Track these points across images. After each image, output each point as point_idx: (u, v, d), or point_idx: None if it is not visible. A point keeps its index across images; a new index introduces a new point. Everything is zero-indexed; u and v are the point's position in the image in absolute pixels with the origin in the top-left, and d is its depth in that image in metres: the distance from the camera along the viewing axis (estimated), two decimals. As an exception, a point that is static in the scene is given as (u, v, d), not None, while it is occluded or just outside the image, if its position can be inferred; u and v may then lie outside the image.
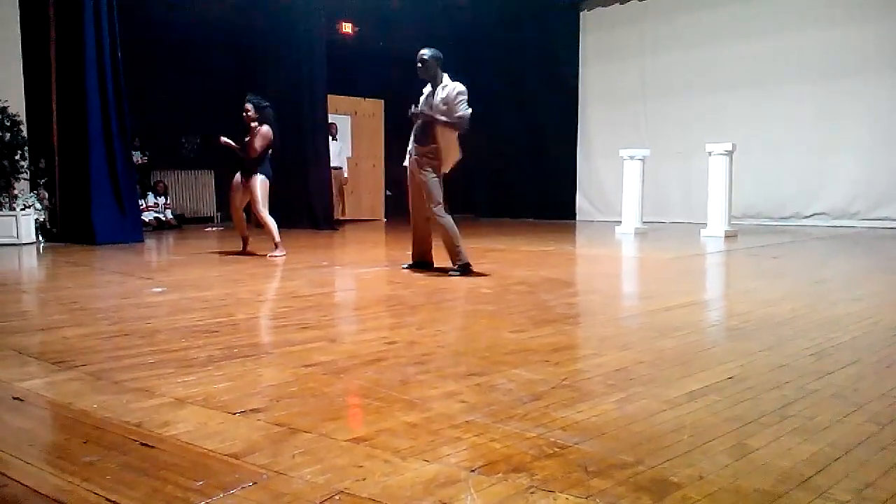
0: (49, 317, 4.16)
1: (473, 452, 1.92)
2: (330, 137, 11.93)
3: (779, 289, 5.02)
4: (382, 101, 13.96)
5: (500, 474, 1.77)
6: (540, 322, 3.79)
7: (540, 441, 2.00)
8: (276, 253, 7.04)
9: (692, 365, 2.89)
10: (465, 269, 5.58)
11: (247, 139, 7.04)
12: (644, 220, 10.27)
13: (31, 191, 8.90)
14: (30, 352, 3.15)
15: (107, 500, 1.64)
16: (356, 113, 13.92)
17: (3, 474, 1.78)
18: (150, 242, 9.17)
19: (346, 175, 12.90)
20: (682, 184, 11.72)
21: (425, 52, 5.56)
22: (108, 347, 3.24)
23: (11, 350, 3.16)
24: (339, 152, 12.35)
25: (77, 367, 2.84)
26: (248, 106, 7.09)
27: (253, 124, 7.03)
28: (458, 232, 5.64)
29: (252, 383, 2.63)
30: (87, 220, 8.63)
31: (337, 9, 12.25)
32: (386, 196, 14.27)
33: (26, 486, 1.72)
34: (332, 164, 11.76)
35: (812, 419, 2.17)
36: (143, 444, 1.98)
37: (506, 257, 7.08)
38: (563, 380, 2.64)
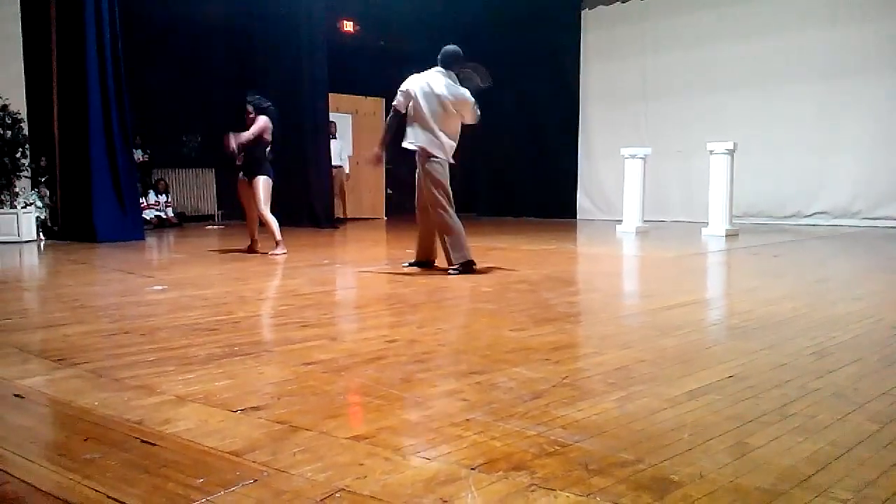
0: (50, 314, 4.17)
1: (474, 450, 1.92)
2: (330, 136, 11.93)
3: (780, 288, 5.02)
4: (383, 100, 13.94)
5: (500, 472, 1.77)
6: (541, 320, 3.79)
7: (540, 439, 2.00)
8: (277, 251, 7.05)
9: (693, 363, 2.89)
10: (468, 267, 5.57)
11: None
12: (645, 218, 10.27)
13: (32, 189, 8.91)
14: (31, 349, 3.15)
15: (108, 497, 1.64)
16: (357, 111, 13.91)
17: (5, 472, 1.78)
18: (150, 240, 9.18)
19: (347, 172, 12.89)
20: (683, 183, 11.72)
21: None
22: (109, 345, 3.24)
23: (12, 347, 3.16)
24: (339, 151, 12.35)
25: (78, 364, 2.85)
26: (249, 108, 7.09)
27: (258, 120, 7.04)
28: (462, 229, 5.64)
29: (252, 381, 2.63)
30: (88, 217, 8.63)
31: (338, 7, 12.25)
32: (387, 195, 14.27)
33: (27, 483, 1.72)
34: (332, 163, 11.76)
35: (813, 418, 2.17)
36: (143, 442, 1.98)
37: (507, 256, 7.08)
38: (564, 378, 2.64)
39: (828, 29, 10.47)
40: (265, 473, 1.77)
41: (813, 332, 3.44)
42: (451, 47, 5.73)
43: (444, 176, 5.57)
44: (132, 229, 8.93)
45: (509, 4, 13.26)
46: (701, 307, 4.55)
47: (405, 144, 5.64)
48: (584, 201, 13.45)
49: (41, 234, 8.85)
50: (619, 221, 10.54)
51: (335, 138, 12.23)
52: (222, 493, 1.66)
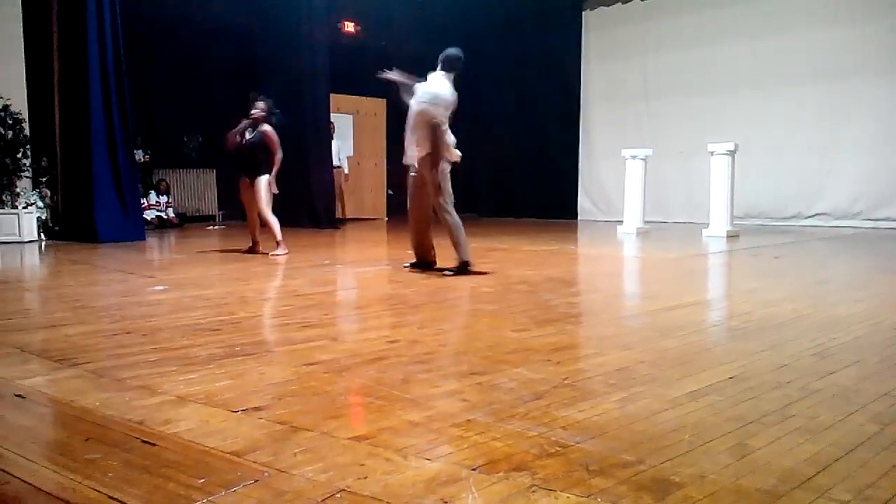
0: (51, 315, 4.17)
1: (475, 451, 1.92)
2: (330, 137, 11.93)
3: (780, 289, 5.02)
4: (384, 101, 13.93)
5: (501, 473, 1.77)
6: (542, 321, 3.79)
7: (541, 440, 2.00)
8: (278, 252, 7.05)
9: (694, 365, 2.89)
10: (464, 268, 5.57)
11: (248, 138, 7.05)
12: (646, 219, 10.27)
13: (34, 189, 8.92)
14: (32, 349, 3.15)
15: (109, 497, 1.64)
16: (358, 112, 13.91)
17: (6, 472, 1.78)
18: (151, 241, 9.18)
19: (346, 172, 12.88)
20: (684, 184, 11.72)
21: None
22: (110, 345, 3.24)
23: (13, 347, 3.16)
24: (337, 151, 12.34)
25: (79, 364, 2.85)
26: (260, 107, 7.08)
27: (263, 126, 7.04)
28: (463, 229, 5.65)
29: (254, 381, 2.63)
30: (89, 218, 8.64)
31: (339, 8, 12.25)
32: (388, 195, 14.27)
33: (28, 483, 1.72)
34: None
35: (813, 419, 2.17)
36: (144, 442, 1.98)
37: (508, 257, 7.08)
38: (565, 379, 2.64)
39: (829, 29, 10.48)
40: (266, 474, 1.77)
41: (814, 333, 3.44)
42: (452, 50, 5.71)
43: (448, 177, 5.60)
44: (133, 230, 8.94)
45: (510, 5, 13.28)
46: (702, 308, 4.55)
47: (413, 154, 5.61)
48: (584, 202, 13.46)
49: (42, 234, 8.85)
50: (620, 222, 10.54)
51: (333, 139, 12.23)
52: (223, 493, 1.66)
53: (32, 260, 7.34)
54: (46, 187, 9.08)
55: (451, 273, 5.51)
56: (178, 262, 7.26)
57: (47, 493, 1.67)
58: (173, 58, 11.58)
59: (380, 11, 12.80)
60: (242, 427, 2.12)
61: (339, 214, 12.29)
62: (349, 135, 13.56)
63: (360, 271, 6.39)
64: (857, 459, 1.86)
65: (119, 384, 2.57)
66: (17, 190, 8.60)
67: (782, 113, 10.86)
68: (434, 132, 5.42)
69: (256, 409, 2.29)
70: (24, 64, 9.01)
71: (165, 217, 11.60)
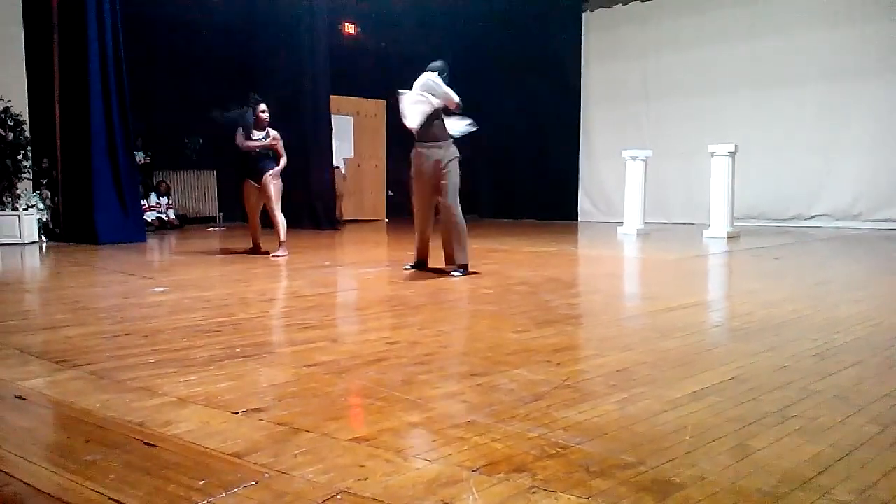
0: (51, 316, 4.17)
1: (475, 452, 1.92)
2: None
3: (781, 290, 5.02)
4: (385, 102, 13.95)
5: (501, 474, 1.77)
6: (542, 322, 3.79)
7: (542, 441, 2.00)
8: (279, 253, 7.06)
9: (694, 366, 2.89)
10: (466, 270, 5.59)
11: (261, 138, 7.07)
12: (646, 220, 10.27)
13: (34, 190, 8.93)
14: (32, 351, 3.16)
15: (109, 498, 1.64)
16: (358, 113, 13.92)
17: (6, 473, 1.78)
18: (152, 242, 9.18)
19: (343, 172, 12.86)
20: (685, 184, 11.72)
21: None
22: (111, 347, 3.24)
23: (14, 349, 3.16)
24: (336, 151, 12.33)
25: (79, 366, 2.85)
26: (265, 107, 7.12)
27: (272, 131, 7.09)
28: (466, 232, 5.67)
29: (254, 383, 2.63)
30: (89, 219, 8.64)
31: (339, 9, 12.26)
32: (388, 196, 14.27)
33: (29, 484, 1.72)
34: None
35: (814, 420, 2.17)
36: (145, 444, 1.99)
37: (508, 258, 7.08)
38: (565, 380, 2.64)
39: (829, 30, 10.48)
40: (266, 475, 1.77)
41: (814, 334, 3.44)
42: (438, 63, 5.77)
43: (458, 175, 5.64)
44: (133, 231, 8.95)
45: (511, 6, 13.28)
46: (702, 309, 4.55)
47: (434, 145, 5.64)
48: (585, 203, 13.47)
49: (43, 235, 8.85)
50: (621, 223, 10.53)
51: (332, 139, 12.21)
52: (223, 494, 1.66)
53: (33, 261, 7.34)
54: (47, 189, 9.09)
55: (460, 274, 5.52)
56: (179, 264, 7.26)
57: (48, 494, 1.67)
58: (173, 59, 11.59)
59: (380, 12, 12.80)
60: (243, 428, 2.12)
61: (336, 215, 12.27)
62: (349, 136, 13.56)
63: (360, 273, 6.39)
64: (857, 460, 1.86)
65: (119, 386, 2.57)
66: (18, 191, 8.61)
67: (782, 113, 10.86)
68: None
69: (257, 410, 2.29)
70: (24, 65, 9.02)
71: (166, 218, 11.61)
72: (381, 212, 14.31)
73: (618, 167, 10.94)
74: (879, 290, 5.17)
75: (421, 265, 5.93)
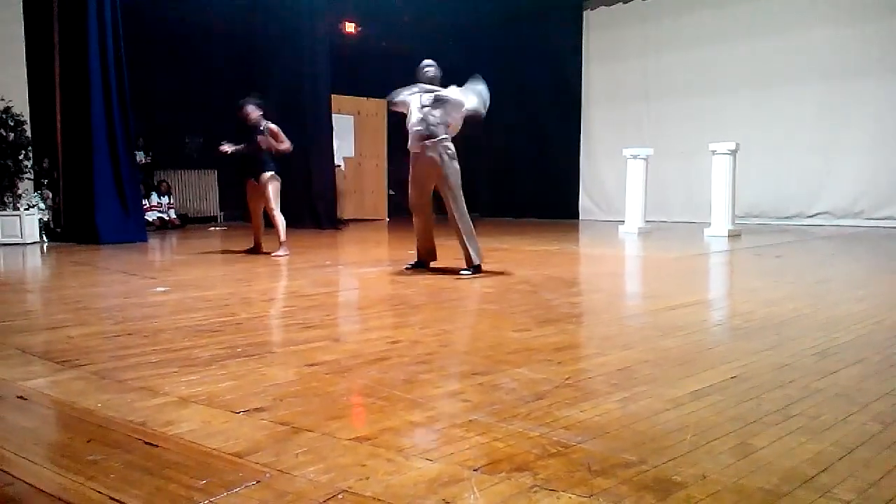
0: (53, 316, 4.17)
1: (476, 451, 1.92)
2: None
3: (782, 288, 5.02)
4: (385, 101, 13.95)
5: (503, 473, 1.77)
6: (543, 321, 3.79)
7: (543, 440, 2.00)
8: (280, 252, 7.06)
9: (695, 364, 2.89)
10: (477, 270, 5.59)
11: (256, 137, 7.07)
12: (647, 219, 10.27)
13: (35, 190, 8.94)
14: (34, 351, 3.16)
15: (111, 498, 1.64)
16: (359, 113, 13.92)
17: (8, 473, 1.78)
18: (153, 242, 9.19)
19: (344, 172, 12.86)
20: (686, 183, 11.72)
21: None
22: (112, 347, 3.24)
23: (15, 349, 3.16)
24: (336, 151, 12.34)
25: (81, 366, 2.85)
26: (251, 107, 7.11)
27: (266, 124, 7.07)
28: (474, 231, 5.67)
29: (255, 382, 2.63)
30: (90, 219, 8.65)
31: (340, 9, 12.26)
32: (389, 195, 14.28)
33: (30, 484, 1.72)
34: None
35: (815, 418, 2.17)
36: (146, 443, 1.99)
37: (509, 257, 7.08)
38: (567, 379, 2.64)
39: (829, 29, 10.47)
40: (268, 475, 1.77)
41: (815, 332, 3.44)
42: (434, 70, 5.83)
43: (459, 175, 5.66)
44: (135, 231, 8.95)
45: (511, 5, 13.27)
46: (703, 308, 4.55)
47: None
48: (585, 202, 13.46)
49: (44, 235, 8.86)
50: (622, 222, 10.53)
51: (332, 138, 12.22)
52: (225, 494, 1.66)
53: (34, 261, 7.35)
54: (48, 189, 9.09)
55: (469, 273, 5.51)
56: (180, 263, 7.26)
57: (49, 494, 1.67)
58: (174, 59, 11.60)
59: (380, 11, 12.80)
60: (244, 428, 2.12)
61: (340, 214, 12.28)
62: (350, 136, 13.56)
63: (361, 272, 6.39)
64: (859, 459, 1.85)
65: (121, 385, 2.57)
66: (19, 192, 8.61)
67: (783, 113, 10.85)
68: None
69: (258, 409, 2.29)
70: (25, 66, 9.03)
71: (167, 218, 11.62)
72: (382, 211, 14.31)
73: (619, 166, 10.94)
74: (880, 288, 5.16)
75: (421, 265, 5.93)
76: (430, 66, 5.80)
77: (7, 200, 8.52)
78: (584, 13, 13.32)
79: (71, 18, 8.80)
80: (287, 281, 5.83)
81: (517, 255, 7.35)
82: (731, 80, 11.29)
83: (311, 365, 2.88)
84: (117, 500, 1.63)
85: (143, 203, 10.34)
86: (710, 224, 9.34)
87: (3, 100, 8.49)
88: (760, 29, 11.02)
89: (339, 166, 12.41)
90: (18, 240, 8.43)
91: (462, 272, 5.55)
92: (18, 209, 8.54)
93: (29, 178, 8.83)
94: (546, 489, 1.68)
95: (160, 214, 11.56)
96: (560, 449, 1.93)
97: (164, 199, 11.80)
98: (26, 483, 1.73)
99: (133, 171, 9.21)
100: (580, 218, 13.36)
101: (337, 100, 12.21)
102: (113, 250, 7.95)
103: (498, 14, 13.58)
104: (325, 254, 7.87)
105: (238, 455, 1.90)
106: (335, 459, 1.87)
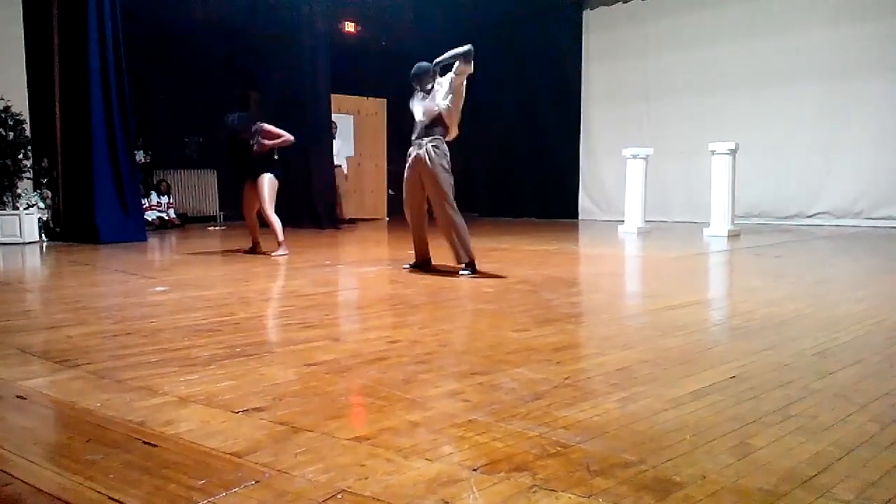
0: (52, 315, 4.17)
1: (476, 451, 1.92)
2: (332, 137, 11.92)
3: (782, 288, 5.02)
4: (385, 101, 13.96)
5: (502, 473, 1.77)
6: (542, 321, 3.79)
7: (542, 440, 2.00)
8: (280, 252, 7.06)
9: (695, 364, 2.89)
10: (473, 267, 5.59)
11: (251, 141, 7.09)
12: (647, 219, 10.27)
13: (35, 190, 8.92)
14: (33, 350, 3.16)
15: (110, 498, 1.64)
16: (359, 112, 13.92)
17: (7, 473, 1.78)
18: (153, 242, 9.19)
19: (346, 172, 12.87)
20: (685, 183, 11.71)
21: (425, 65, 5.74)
22: (111, 346, 3.24)
23: (15, 349, 3.16)
24: (338, 151, 12.35)
25: (80, 365, 2.85)
26: (236, 127, 7.14)
27: (258, 125, 7.07)
28: (467, 229, 5.65)
29: (254, 382, 2.63)
30: (90, 219, 8.64)
31: (339, 8, 12.26)
32: (389, 195, 14.28)
33: (29, 484, 1.72)
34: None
35: (815, 419, 2.17)
36: (145, 443, 1.99)
37: (508, 256, 7.08)
38: (566, 379, 2.64)
39: (829, 29, 10.47)
40: (267, 475, 1.77)
41: (815, 332, 3.44)
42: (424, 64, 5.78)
43: (450, 176, 5.62)
44: (134, 230, 8.95)
45: (511, 5, 13.27)
46: (703, 308, 4.55)
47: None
48: (585, 201, 13.46)
49: (43, 235, 8.86)
50: (621, 222, 10.54)
51: (335, 138, 12.23)
52: (224, 494, 1.66)
53: (33, 261, 7.35)
54: (47, 188, 9.09)
55: (468, 273, 5.51)
56: (179, 263, 7.26)
57: (48, 494, 1.67)
58: (173, 58, 11.59)
59: (380, 11, 12.80)
60: (243, 428, 2.12)
61: (339, 214, 12.26)
62: (350, 135, 13.56)
63: (360, 272, 6.39)
64: (858, 459, 1.85)
65: (120, 385, 2.57)
66: (19, 191, 8.61)
67: (783, 112, 10.85)
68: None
69: (257, 409, 2.29)
70: (24, 65, 9.02)
71: (166, 218, 11.61)
72: (382, 211, 14.31)
73: (618, 165, 10.94)
74: (880, 288, 5.17)
75: (422, 265, 5.93)
76: (415, 69, 5.77)
77: (6, 200, 8.51)
78: (584, 13, 13.32)
79: (71, 18, 8.79)
80: (286, 280, 5.83)
81: (516, 254, 7.35)
82: (731, 80, 11.29)
83: (311, 365, 2.88)
84: (116, 500, 1.63)
85: (143, 202, 10.33)
86: (709, 224, 9.34)
87: (2, 99, 8.48)
88: (760, 29, 11.02)
89: (339, 166, 12.40)
90: (18, 239, 8.43)
91: (462, 272, 5.55)
92: (18, 208, 8.53)
93: (28, 178, 8.82)
94: (545, 489, 1.68)
95: (159, 214, 11.56)
96: (559, 449, 1.93)
97: (164, 199, 11.80)
98: (25, 483, 1.73)
99: (133, 171, 9.20)
100: (580, 218, 13.36)
101: (336, 99, 12.21)
102: (112, 250, 7.95)
103: (497, 13, 13.57)
104: (324, 253, 7.87)
105: (237, 455, 1.90)
106: (334, 459, 1.87)
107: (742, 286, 5.74)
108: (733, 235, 9.06)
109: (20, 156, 8.60)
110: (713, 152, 9.28)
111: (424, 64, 5.74)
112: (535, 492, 1.67)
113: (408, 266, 5.99)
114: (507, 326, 3.65)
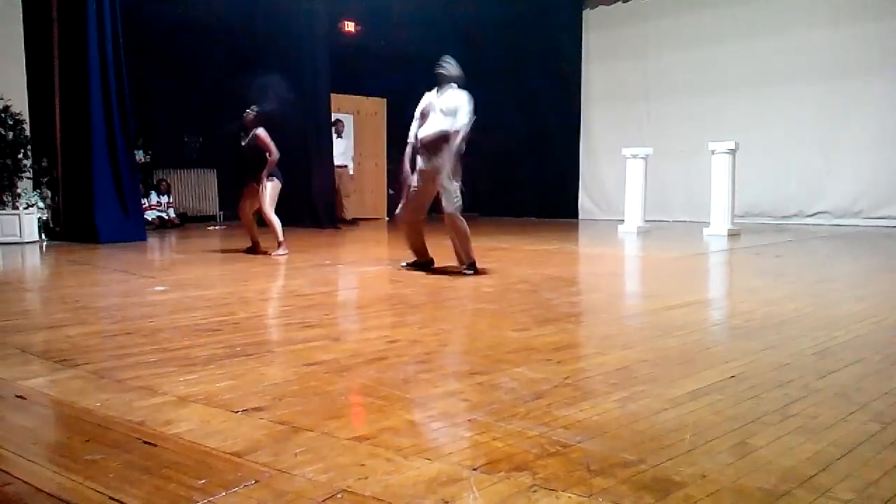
0: (52, 315, 4.17)
1: (475, 451, 1.92)
2: (335, 135, 11.91)
3: (781, 288, 5.02)
4: (385, 100, 13.95)
5: (502, 473, 1.77)
6: (542, 321, 3.79)
7: (542, 440, 2.00)
8: (280, 252, 7.06)
9: (695, 364, 2.89)
10: (473, 268, 5.59)
11: (244, 142, 7.08)
12: (647, 218, 10.27)
13: (34, 189, 8.92)
14: (33, 350, 3.16)
15: (110, 498, 1.64)
16: (358, 112, 13.91)
17: (7, 473, 1.78)
18: (152, 241, 9.18)
19: (351, 172, 12.86)
20: (685, 182, 11.71)
21: (451, 61, 5.67)
22: (111, 346, 3.24)
23: (15, 348, 3.16)
24: (344, 150, 12.33)
25: (80, 365, 2.85)
26: (251, 110, 7.14)
27: (255, 130, 7.08)
28: (469, 234, 5.67)
29: (254, 382, 2.63)
30: (90, 218, 8.64)
31: (339, 8, 12.25)
32: (389, 195, 14.27)
33: (29, 484, 1.72)
34: (337, 163, 11.76)
35: (815, 418, 2.17)
36: (145, 443, 1.98)
37: (508, 256, 7.08)
38: (566, 378, 2.64)
39: (829, 29, 10.47)
40: (267, 474, 1.77)
41: (815, 332, 3.44)
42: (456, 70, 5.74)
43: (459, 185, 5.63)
44: (134, 230, 8.94)
45: (511, 5, 13.26)
46: (703, 307, 4.55)
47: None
48: (585, 201, 13.46)
49: (43, 234, 8.85)
50: (621, 221, 10.53)
51: (340, 137, 12.20)
52: (224, 494, 1.66)
53: (33, 260, 7.34)
54: (47, 188, 9.08)
55: (472, 272, 5.52)
56: (179, 263, 7.26)
57: (48, 493, 1.67)
58: (173, 58, 11.57)
59: (380, 11, 12.79)
60: (243, 427, 2.11)
61: (340, 214, 12.23)
62: (350, 135, 13.56)
63: (360, 271, 6.39)
64: (858, 458, 1.85)
65: (120, 385, 2.57)
66: (18, 190, 8.60)
67: (783, 112, 10.85)
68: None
69: (257, 409, 2.29)
70: (24, 65, 9.01)
71: (166, 217, 11.60)
72: (382, 211, 14.30)
73: (618, 165, 10.94)
74: (880, 287, 5.17)
75: (420, 264, 5.92)
76: (442, 64, 5.68)
77: (6, 199, 8.50)
78: (584, 13, 13.31)
79: (70, 17, 8.78)
80: (286, 280, 5.83)
81: (517, 254, 7.35)
82: (731, 80, 11.28)
83: (310, 364, 2.88)
84: (116, 500, 1.63)
85: (143, 202, 10.33)
86: (709, 224, 9.34)
87: (2, 98, 8.48)
88: (760, 29, 11.02)
89: (345, 166, 12.39)
90: (17, 239, 8.42)
91: (464, 270, 5.56)
92: (17, 208, 8.52)
93: (28, 177, 8.81)
94: (545, 489, 1.68)
95: (159, 213, 11.55)
96: (559, 448, 1.93)
97: (164, 199, 11.79)
98: (25, 482, 1.73)
99: (132, 171, 9.19)
100: (580, 217, 13.35)
101: (336, 99, 12.20)
102: (112, 249, 7.94)
103: (497, 13, 13.56)
104: (324, 253, 7.87)
105: (237, 454, 1.89)
106: (334, 459, 1.87)
107: (742, 286, 5.74)
108: (733, 235, 9.06)
109: (20, 155, 8.59)
110: (713, 152, 9.28)
111: (455, 70, 5.66)
112: (535, 491, 1.67)
113: (405, 264, 5.98)
114: (507, 326, 3.65)
